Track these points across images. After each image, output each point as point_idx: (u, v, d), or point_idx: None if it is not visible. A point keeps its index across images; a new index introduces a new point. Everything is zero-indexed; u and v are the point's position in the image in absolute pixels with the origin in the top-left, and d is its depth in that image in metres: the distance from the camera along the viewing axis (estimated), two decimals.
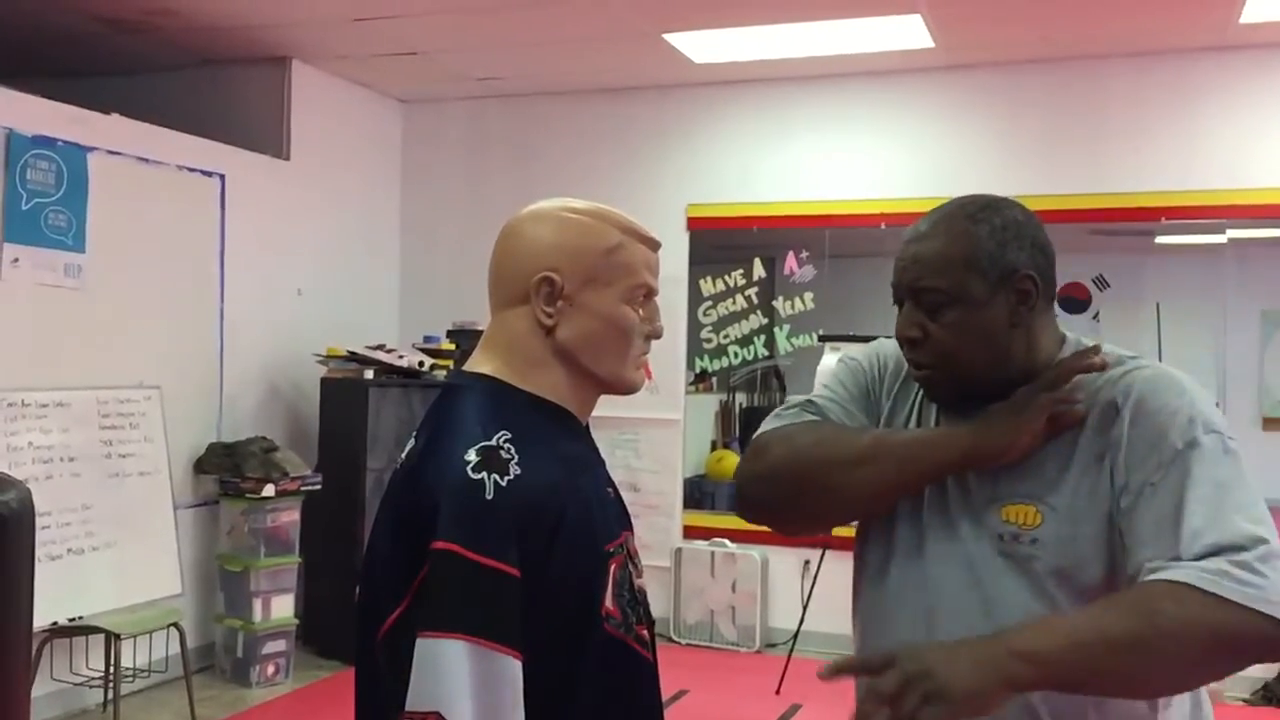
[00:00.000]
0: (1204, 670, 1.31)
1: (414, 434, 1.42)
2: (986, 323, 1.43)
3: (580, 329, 1.38)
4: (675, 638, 6.23)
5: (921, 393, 1.57)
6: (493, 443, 1.29)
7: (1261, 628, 1.24)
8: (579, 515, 1.33)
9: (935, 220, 1.48)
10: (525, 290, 1.37)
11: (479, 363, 1.42)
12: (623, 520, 1.44)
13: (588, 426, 1.45)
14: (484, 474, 1.26)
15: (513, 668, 1.22)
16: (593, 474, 1.42)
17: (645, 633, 1.41)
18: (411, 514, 1.29)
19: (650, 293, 1.43)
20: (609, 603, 1.33)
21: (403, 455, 1.41)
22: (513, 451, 1.29)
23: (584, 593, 1.32)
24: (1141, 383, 1.40)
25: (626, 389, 1.44)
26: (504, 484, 1.26)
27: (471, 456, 1.28)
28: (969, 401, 1.47)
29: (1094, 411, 1.41)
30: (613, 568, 1.36)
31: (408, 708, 1.21)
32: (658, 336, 1.45)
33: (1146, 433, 1.37)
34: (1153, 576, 1.29)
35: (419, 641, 1.22)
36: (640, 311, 1.42)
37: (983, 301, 1.43)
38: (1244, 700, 5.31)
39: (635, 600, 1.40)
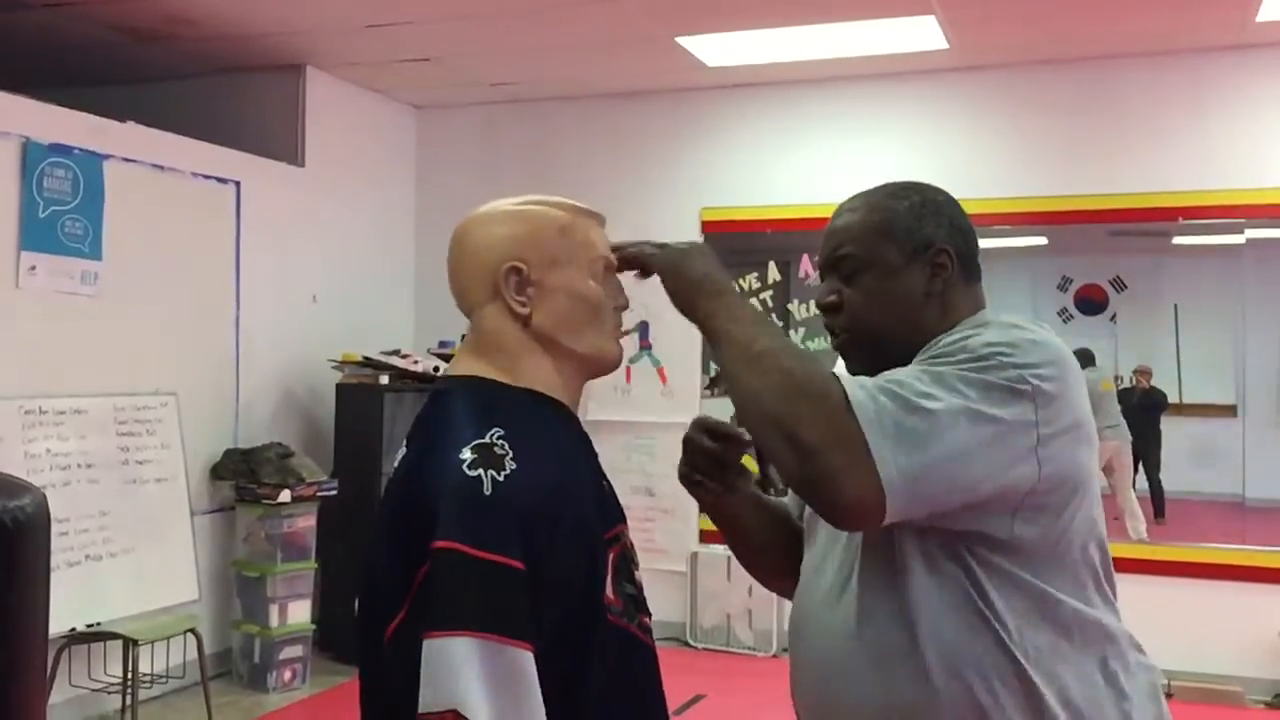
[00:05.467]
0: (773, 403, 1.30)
1: (405, 442, 1.42)
2: (899, 290, 1.47)
3: (554, 311, 1.39)
4: (692, 642, 6.21)
5: None
6: (486, 440, 1.29)
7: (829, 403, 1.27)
8: (577, 507, 1.33)
9: (858, 198, 1.55)
10: (492, 287, 1.39)
11: (462, 365, 1.42)
12: (617, 511, 1.45)
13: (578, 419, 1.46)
14: (480, 470, 1.26)
15: (525, 659, 1.22)
16: (587, 465, 1.43)
17: (647, 620, 1.42)
18: (409, 517, 1.29)
19: (609, 265, 1.46)
20: (610, 592, 1.34)
21: (395, 463, 1.41)
22: (507, 447, 1.29)
23: (586, 583, 1.32)
24: (963, 327, 1.43)
25: (610, 362, 1.46)
26: (501, 479, 1.26)
27: (466, 455, 1.28)
28: (882, 369, 1.51)
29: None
30: (611, 556, 1.36)
31: (422, 709, 1.20)
32: (625, 308, 1.48)
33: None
34: None
35: (426, 643, 1.21)
36: (603, 286, 1.44)
37: (897, 269, 1.47)
38: (1265, 703, 5.27)
39: (636, 589, 1.41)
